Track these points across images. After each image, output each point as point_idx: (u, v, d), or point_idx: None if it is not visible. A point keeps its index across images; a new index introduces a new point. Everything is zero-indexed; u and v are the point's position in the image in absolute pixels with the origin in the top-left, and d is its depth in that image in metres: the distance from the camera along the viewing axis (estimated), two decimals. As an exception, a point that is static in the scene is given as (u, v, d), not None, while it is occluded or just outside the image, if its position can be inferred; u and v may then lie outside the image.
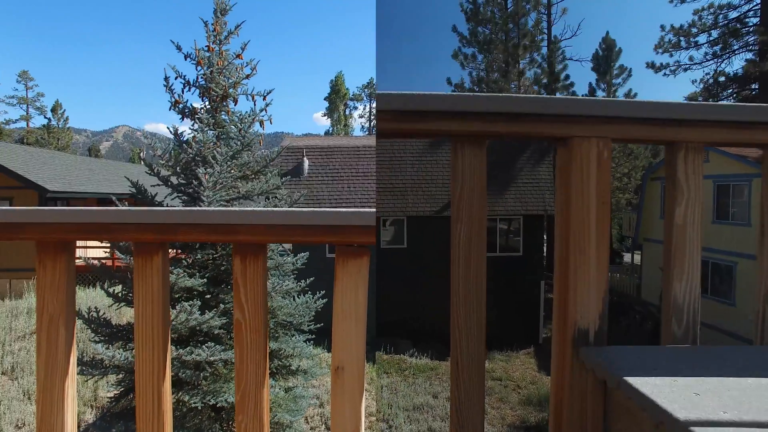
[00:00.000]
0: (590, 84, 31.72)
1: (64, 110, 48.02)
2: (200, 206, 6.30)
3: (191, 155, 6.89)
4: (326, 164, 16.48)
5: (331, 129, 48.87)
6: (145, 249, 1.09)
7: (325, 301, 7.94)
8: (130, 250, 6.94)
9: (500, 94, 1.05)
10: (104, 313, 7.20)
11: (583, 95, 32.67)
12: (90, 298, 12.90)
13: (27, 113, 51.45)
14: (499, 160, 16.17)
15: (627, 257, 28.01)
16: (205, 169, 6.61)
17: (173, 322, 6.20)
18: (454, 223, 1.05)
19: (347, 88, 48.96)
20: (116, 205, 7.43)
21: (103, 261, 16.13)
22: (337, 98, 48.17)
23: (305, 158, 16.35)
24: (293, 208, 1.03)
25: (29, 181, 14.13)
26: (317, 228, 1.05)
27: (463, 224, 1.05)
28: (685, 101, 1.08)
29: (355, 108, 49.39)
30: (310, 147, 16.73)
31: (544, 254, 25.12)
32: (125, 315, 10.72)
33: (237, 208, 1.08)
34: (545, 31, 25.21)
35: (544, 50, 25.18)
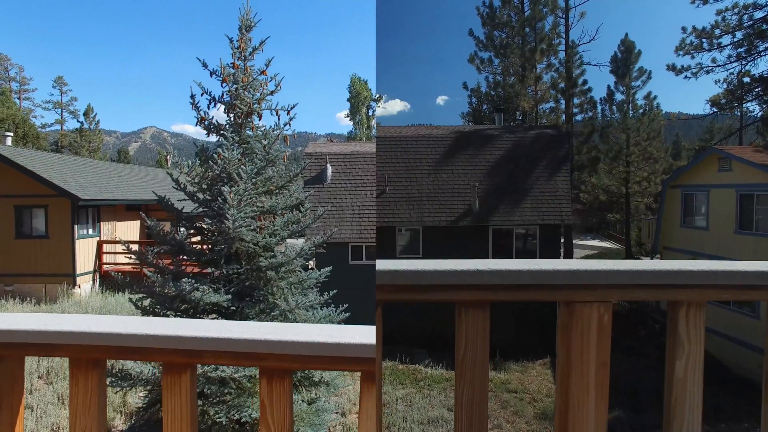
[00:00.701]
0: (608, 87, 31.27)
1: (96, 114, 50.17)
2: (225, 224, 6.40)
3: (216, 172, 7.03)
4: (349, 171, 16.64)
5: (354, 131, 48.93)
6: (175, 368, 1.16)
7: (347, 315, 8.06)
8: (154, 262, 7.10)
9: (505, 269, 1.10)
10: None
11: (600, 99, 32.22)
12: (120, 305, 13.34)
13: (62, 117, 54.08)
14: (515, 168, 16.10)
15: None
16: (230, 187, 6.75)
17: None
18: (457, 380, 1.12)
19: (369, 89, 48.69)
20: (146, 217, 7.68)
21: (133, 266, 16.65)
22: (358, 101, 48.06)
23: (328, 165, 16.53)
24: (317, 339, 1.11)
25: (62, 189, 14.64)
26: (342, 359, 1.11)
27: (466, 385, 1.11)
28: (683, 269, 1.12)
29: (379, 106, 49.39)
30: (333, 153, 16.91)
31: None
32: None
33: (262, 333, 1.11)
34: (563, 35, 24.93)
35: (562, 54, 24.90)
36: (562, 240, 25.98)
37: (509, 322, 15.65)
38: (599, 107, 32.21)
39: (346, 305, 7.93)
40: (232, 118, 7.40)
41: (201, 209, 7.45)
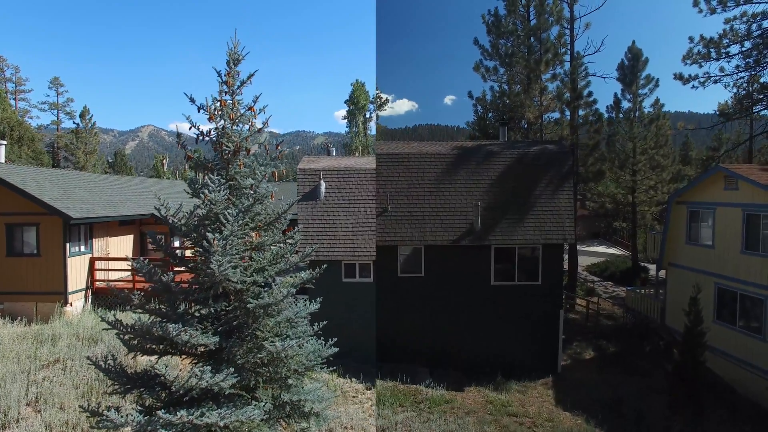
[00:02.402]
0: (615, 95, 30.99)
1: (92, 115, 50.31)
2: (211, 268, 6.36)
3: (203, 212, 6.99)
4: (343, 187, 16.62)
5: (350, 137, 48.87)
6: None
7: (337, 350, 8.02)
8: (150, 273, 6.97)
9: None
10: (120, 360, 7.28)
11: (607, 106, 31.89)
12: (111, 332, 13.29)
13: (58, 118, 54.13)
14: (517, 186, 15.99)
15: (652, 270, 27.19)
16: (215, 232, 6.68)
17: (183, 385, 6.24)
18: None
19: (368, 96, 48.62)
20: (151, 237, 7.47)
21: (126, 282, 16.54)
22: (356, 110, 47.99)
23: (322, 181, 16.53)
24: None
25: (54, 208, 14.57)
26: None
27: None
28: None
29: (384, 109, 49.23)
30: (327, 169, 16.90)
31: (564, 284, 24.76)
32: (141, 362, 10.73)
33: None
34: (568, 45, 24.71)
35: (567, 65, 24.69)
36: (566, 256, 25.80)
37: (510, 342, 15.58)
38: (606, 115, 32.01)
39: (335, 339, 7.89)
40: (219, 156, 7.34)
41: (190, 245, 7.38)
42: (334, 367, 13.78)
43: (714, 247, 15.85)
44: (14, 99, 52.91)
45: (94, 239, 16.96)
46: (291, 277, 7.63)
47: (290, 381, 7.47)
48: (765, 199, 13.75)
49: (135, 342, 7.03)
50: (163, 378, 6.27)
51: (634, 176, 30.05)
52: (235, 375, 6.55)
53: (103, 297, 16.40)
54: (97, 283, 16.49)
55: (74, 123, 51.50)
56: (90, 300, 16.30)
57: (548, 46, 24.39)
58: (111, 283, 15.84)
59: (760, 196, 13.91)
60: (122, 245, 18.94)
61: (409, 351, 15.45)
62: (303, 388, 7.71)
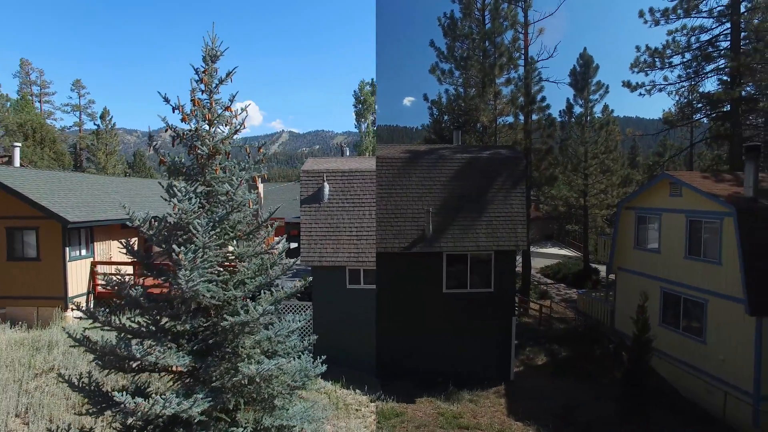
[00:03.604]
0: (568, 100, 31.68)
1: (112, 116, 52.07)
2: (178, 283, 5.68)
3: (173, 223, 6.28)
4: (347, 189, 15.99)
5: (360, 140, 47.95)
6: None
7: (326, 368, 7.26)
8: (120, 286, 6.38)
9: None
10: (96, 378, 6.65)
11: (560, 111, 32.51)
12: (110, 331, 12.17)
13: (80, 120, 56.54)
14: (469, 192, 15.71)
15: (603, 271, 27.80)
16: (186, 243, 6.03)
17: (147, 413, 5.51)
18: None
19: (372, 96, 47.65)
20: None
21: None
22: (363, 108, 46.86)
23: (325, 183, 15.90)
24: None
25: (52, 212, 14.42)
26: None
27: None
28: None
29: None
30: (331, 171, 16.26)
31: (516, 290, 24.81)
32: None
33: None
34: (522, 49, 24.88)
35: (521, 70, 24.84)
36: (519, 259, 25.96)
37: (462, 350, 15.26)
38: (558, 118, 32.63)
39: (324, 357, 7.25)
40: (195, 160, 6.61)
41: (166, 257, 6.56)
42: (337, 379, 13.31)
43: (660, 252, 16.15)
44: (39, 101, 55.52)
45: (95, 243, 16.74)
46: (273, 291, 6.91)
47: (276, 401, 6.81)
48: (706, 206, 14.06)
49: (102, 363, 6.34)
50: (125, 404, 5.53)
51: (585, 180, 30.76)
52: (209, 399, 5.91)
53: (105, 301, 15.21)
54: (99, 287, 16.21)
55: (95, 124, 53.41)
56: (92, 305, 15.93)
57: (502, 50, 24.47)
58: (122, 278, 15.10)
59: (702, 203, 14.22)
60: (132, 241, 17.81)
61: (359, 361, 14.84)
62: (288, 410, 6.98)
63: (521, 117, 25.04)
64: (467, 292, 15.26)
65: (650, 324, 12.39)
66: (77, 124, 56.76)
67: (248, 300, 6.58)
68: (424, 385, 14.80)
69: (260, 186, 27.56)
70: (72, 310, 14.87)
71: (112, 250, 17.74)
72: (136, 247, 6.89)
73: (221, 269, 6.58)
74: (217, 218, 6.28)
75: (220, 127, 6.77)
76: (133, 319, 6.45)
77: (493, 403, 14.22)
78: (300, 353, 7.13)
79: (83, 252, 16.09)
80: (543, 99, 24.21)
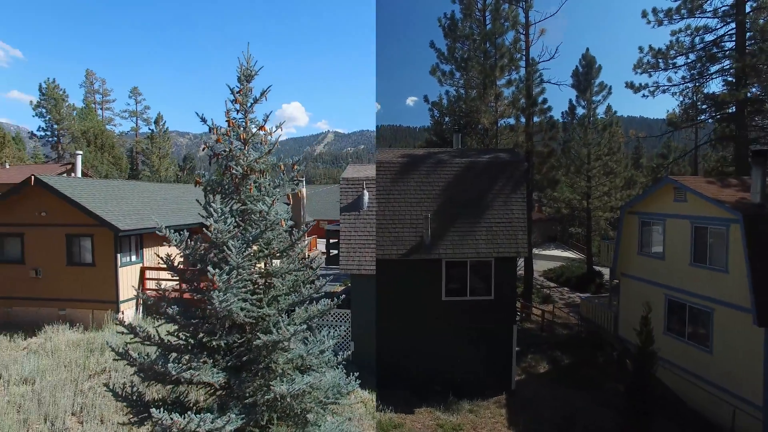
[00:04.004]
0: (570, 101, 31.32)
1: (165, 121, 56.29)
2: (212, 302, 5.77)
3: (207, 245, 6.44)
4: None
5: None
6: None
7: (359, 384, 7.17)
8: (156, 305, 6.52)
9: None
10: (138, 388, 6.90)
11: (562, 113, 32.15)
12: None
13: (136, 125, 61.43)
14: (469, 197, 15.40)
15: (607, 274, 27.38)
16: (221, 263, 6.14)
17: (183, 430, 5.62)
18: None
19: None
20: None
21: (174, 289, 15.82)
22: None
23: (365, 191, 15.82)
24: None
25: (104, 220, 15.25)
26: None
27: None
28: None
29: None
30: (371, 179, 16.12)
31: (518, 295, 24.48)
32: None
33: None
34: (523, 50, 24.52)
35: (523, 71, 24.49)
36: (521, 262, 25.61)
37: (462, 359, 14.95)
38: (560, 120, 32.26)
39: (357, 373, 7.23)
40: (230, 179, 6.67)
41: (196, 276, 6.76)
42: (374, 388, 13.07)
43: (664, 258, 15.80)
44: (101, 109, 60.19)
45: (144, 249, 17.41)
46: (307, 308, 7.01)
47: (309, 416, 6.83)
48: (711, 212, 13.71)
49: (138, 379, 6.70)
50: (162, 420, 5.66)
51: (588, 182, 30.39)
52: (243, 416, 6.02)
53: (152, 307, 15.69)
54: (148, 291, 16.76)
55: (150, 129, 57.52)
56: (141, 308, 16.52)
57: (503, 51, 24.13)
58: (163, 291, 15.64)
59: (708, 209, 13.87)
60: (175, 251, 18.30)
61: (357, 370, 14.54)
62: (321, 426, 7.01)
63: (522, 119, 24.69)
64: (467, 300, 14.96)
65: (654, 337, 12.04)
66: (134, 129, 61.28)
67: (282, 317, 6.63)
68: (424, 395, 14.50)
69: (303, 189, 27.50)
70: (122, 313, 15.84)
71: (161, 255, 17.87)
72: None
73: (255, 287, 6.67)
74: (251, 237, 6.35)
75: (255, 146, 6.85)
76: (171, 331, 6.59)
77: (494, 413, 13.91)
78: (336, 366, 7.22)
79: (133, 258, 16.87)
80: (545, 101, 23.83)
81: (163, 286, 7.02)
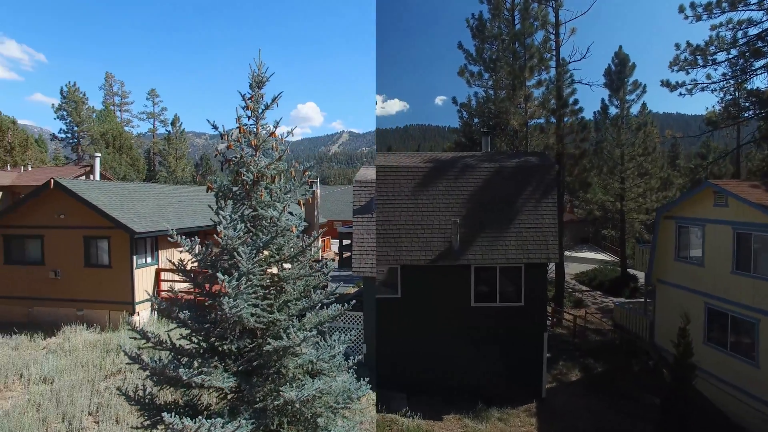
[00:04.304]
0: (603, 100, 30.50)
1: (181, 123, 57.23)
2: (222, 308, 5.85)
3: (218, 251, 6.53)
4: None
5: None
6: None
7: (370, 387, 7.11)
8: (167, 310, 6.58)
9: None
10: (150, 391, 6.95)
11: (594, 112, 31.33)
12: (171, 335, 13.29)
13: (154, 126, 62.01)
14: (498, 202, 15.19)
15: (641, 278, 26.47)
16: (231, 268, 6.21)
17: None
18: None
19: None
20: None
21: (187, 291, 16.47)
22: None
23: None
24: None
25: (120, 223, 15.51)
26: None
27: None
28: None
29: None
30: None
31: (549, 300, 23.97)
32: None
33: None
34: (553, 50, 24.00)
35: (553, 72, 23.97)
36: (552, 266, 25.06)
37: (491, 366, 14.76)
38: (593, 118, 31.41)
39: (368, 378, 7.18)
40: (241, 186, 6.77)
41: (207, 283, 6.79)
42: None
43: (704, 265, 15.17)
44: (120, 111, 60.84)
45: (159, 251, 17.65)
46: (318, 313, 7.01)
47: (320, 421, 6.81)
48: (756, 218, 13.08)
49: (150, 383, 6.61)
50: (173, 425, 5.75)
51: (622, 183, 29.51)
52: (253, 420, 6.09)
53: (167, 308, 16.38)
54: (162, 293, 17.10)
55: (166, 130, 58.22)
56: (156, 311, 16.67)
57: (533, 52, 23.68)
58: (176, 293, 16.19)
59: (751, 214, 13.24)
60: (187, 256, 18.99)
61: (385, 376, 14.57)
62: (331, 431, 6.94)
63: (553, 120, 24.17)
64: (496, 306, 14.76)
65: (694, 345, 11.58)
66: (151, 131, 61.59)
67: (293, 321, 6.67)
68: (452, 401, 14.39)
69: (317, 191, 27.90)
70: (138, 314, 16.10)
71: (175, 257, 18.27)
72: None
73: (266, 292, 6.69)
74: (261, 243, 6.37)
75: (266, 151, 6.90)
76: (184, 335, 6.66)
77: (524, 422, 13.67)
78: (348, 369, 7.18)
79: (149, 260, 17.11)
80: (576, 102, 23.24)
81: (176, 289, 7.11)
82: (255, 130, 6.81)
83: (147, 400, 6.65)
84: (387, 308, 14.83)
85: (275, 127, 6.89)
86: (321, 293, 6.94)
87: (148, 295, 7.58)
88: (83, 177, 28.70)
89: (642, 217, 30.68)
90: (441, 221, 14.88)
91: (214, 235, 6.44)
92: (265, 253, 6.67)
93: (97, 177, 25.34)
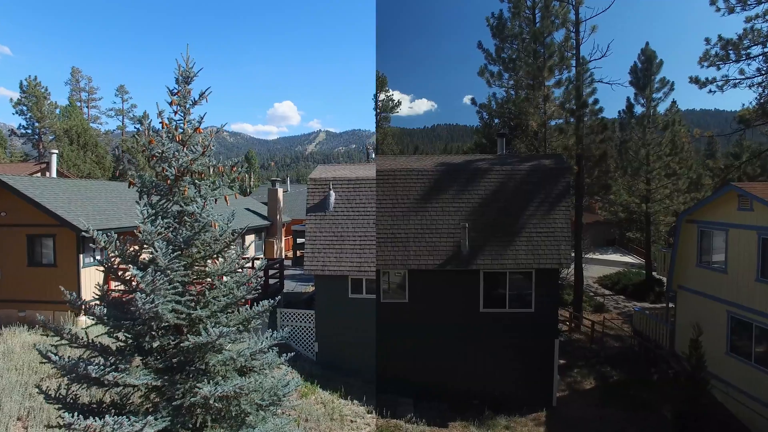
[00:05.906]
0: (628, 99, 29.48)
1: (150, 120, 59.08)
2: (137, 303, 5.85)
3: (137, 247, 6.58)
4: (353, 198, 16.02)
5: (378, 140, 47.56)
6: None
7: (296, 387, 7.18)
8: (83, 306, 6.68)
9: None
10: (74, 391, 6.81)
11: (619, 111, 30.33)
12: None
13: (122, 123, 59.71)
14: (509, 206, 14.91)
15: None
16: (150, 263, 6.21)
17: None
18: None
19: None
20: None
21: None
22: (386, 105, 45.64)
23: (332, 191, 15.99)
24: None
25: (65, 220, 14.96)
26: None
27: None
28: None
29: (396, 111, 46.99)
30: (338, 179, 16.34)
31: (566, 306, 23.39)
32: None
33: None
34: (573, 48, 23.36)
35: (573, 71, 23.34)
36: (571, 270, 24.40)
37: (500, 372, 14.51)
38: (615, 117, 30.41)
39: (297, 380, 7.20)
40: (163, 181, 6.81)
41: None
42: (336, 388, 13.35)
43: (727, 272, 14.50)
44: (87, 107, 58.07)
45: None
46: (241, 311, 7.00)
47: (248, 419, 6.82)
48: (782, 224, 12.39)
49: (63, 384, 6.62)
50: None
51: (648, 185, 28.48)
52: (170, 418, 6.03)
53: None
54: (112, 293, 16.71)
55: (135, 127, 55.51)
56: (105, 309, 16.54)
57: (553, 51, 23.12)
58: (105, 291, 15.93)
59: (777, 220, 12.55)
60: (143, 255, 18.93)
61: (391, 380, 14.54)
62: (256, 428, 6.92)
63: (572, 120, 23.55)
64: (506, 312, 14.50)
65: (713, 355, 11.06)
66: (120, 128, 59.69)
67: (218, 317, 6.63)
68: (459, 408, 14.23)
69: (280, 190, 28.23)
70: (83, 316, 15.25)
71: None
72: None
73: (186, 288, 6.63)
74: (182, 239, 6.34)
75: (194, 147, 6.83)
76: (112, 334, 6.62)
77: (531, 431, 13.39)
78: (281, 365, 7.11)
79: (98, 258, 16.91)
80: (596, 101, 22.58)
81: (104, 288, 7.09)
82: (182, 125, 6.79)
83: (69, 400, 6.51)
84: (394, 313, 14.77)
85: (200, 122, 6.84)
86: (244, 289, 6.90)
87: (96, 295, 7.45)
88: (38, 174, 27.23)
89: (668, 219, 29.55)
90: (450, 225, 14.71)
91: (135, 231, 6.47)
92: (194, 249, 6.60)
93: (54, 174, 23.74)
